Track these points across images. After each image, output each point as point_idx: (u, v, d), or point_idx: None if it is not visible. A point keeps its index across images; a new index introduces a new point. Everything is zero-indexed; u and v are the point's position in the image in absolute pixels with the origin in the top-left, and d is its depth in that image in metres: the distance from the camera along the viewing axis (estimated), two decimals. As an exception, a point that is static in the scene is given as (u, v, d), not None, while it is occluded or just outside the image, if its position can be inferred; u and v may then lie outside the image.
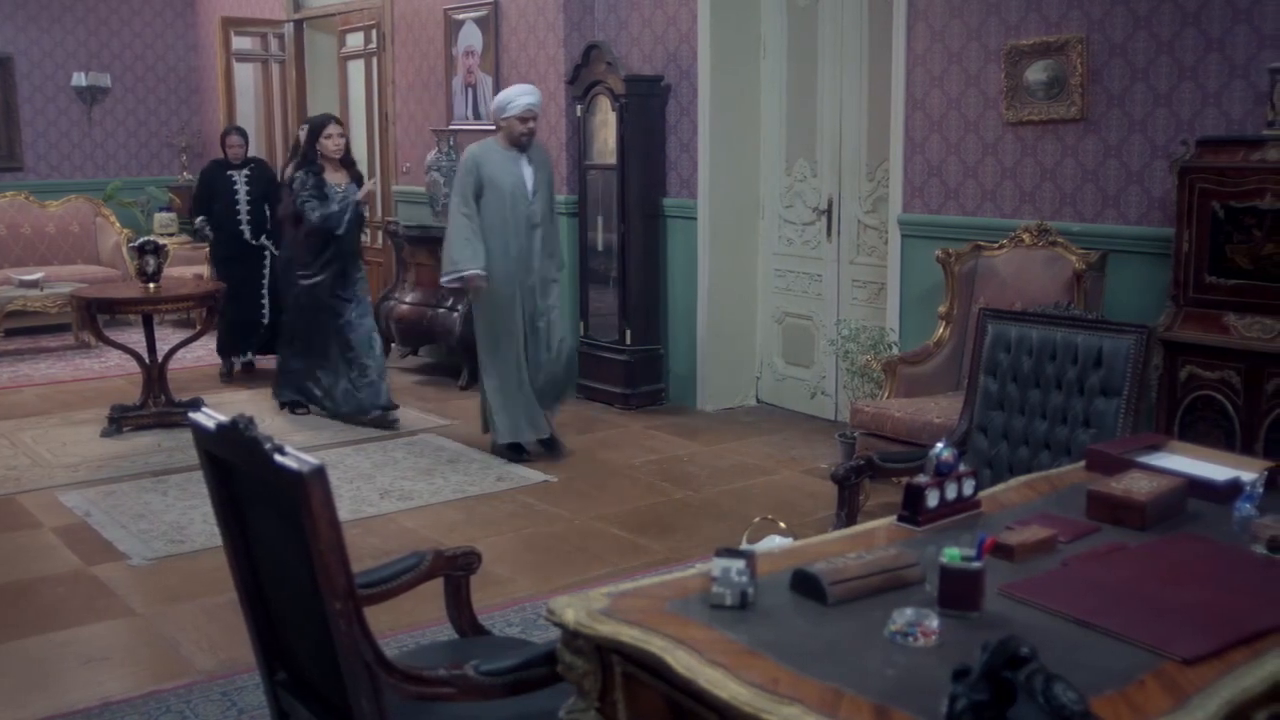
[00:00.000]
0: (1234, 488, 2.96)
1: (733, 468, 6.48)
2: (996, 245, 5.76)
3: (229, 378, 8.79)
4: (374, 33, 10.07)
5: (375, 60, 10.14)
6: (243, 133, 8.99)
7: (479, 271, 6.27)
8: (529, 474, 6.33)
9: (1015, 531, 2.65)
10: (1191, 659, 2.10)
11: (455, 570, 3.00)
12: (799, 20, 7.40)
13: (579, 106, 7.94)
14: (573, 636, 2.31)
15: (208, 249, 9.07)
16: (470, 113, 8.90)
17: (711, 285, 7.64)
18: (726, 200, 7.63)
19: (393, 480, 6.25)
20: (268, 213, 8.58)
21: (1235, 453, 4.33)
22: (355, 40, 10.50)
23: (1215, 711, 1.96)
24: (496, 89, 8.67)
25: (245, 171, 8.62)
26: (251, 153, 9.16)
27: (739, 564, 2.30)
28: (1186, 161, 4.87)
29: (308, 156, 7.20)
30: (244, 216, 8.56)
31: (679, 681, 2.09)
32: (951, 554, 2.28)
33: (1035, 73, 5.84)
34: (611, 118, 7.72)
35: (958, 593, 2.27)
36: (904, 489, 2.81)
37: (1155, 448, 3.34)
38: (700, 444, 6.94)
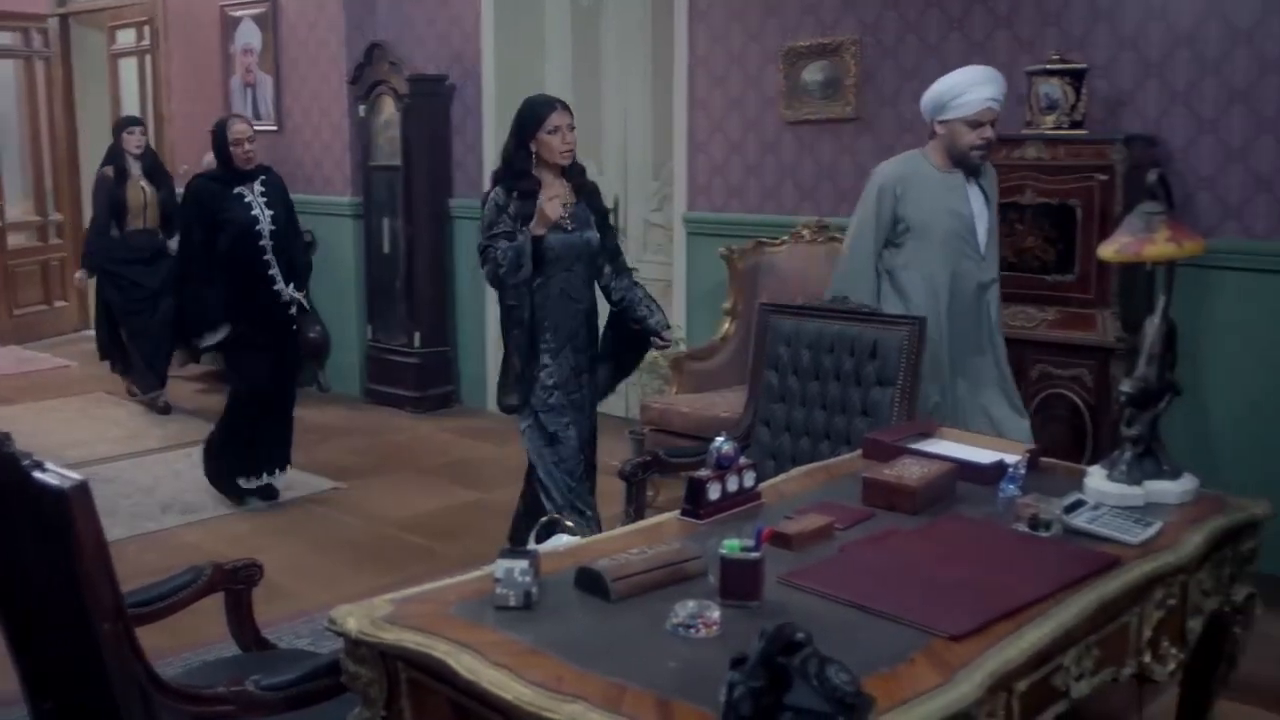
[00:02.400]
0: (999, 470, 3.10)
1: (521, 468, 6.43)
2: (778, 242, 5.89)
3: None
4: (146, 29, 9.70)
5: (149, 58, 9.77)
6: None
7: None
8: (318, 482, 6.20)
9: (794, 521, 2.72)
10: (958, 635, 2.19)
11: (235, 584, 2.92)
12: (582, 21, 7.43)
13: (362, 106, 7.81)
14: (355, 645, 2.28)
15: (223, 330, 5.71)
16: (250, 112, 8.65)
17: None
18: (514, 200, 7.60)
19: (175, 493, 6.03)
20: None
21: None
22: (126, 37, 10.10)
23: (980, 683, 2.05)
24: (277, 89, 8.47)
25: (259, 186, 5.73)
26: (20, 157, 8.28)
27: (522, 564, 2.29)
28: (954, 159, 5.01)
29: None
30: (270, 256, 5.68)
31: (463, 685, 2.08)
32: (731, 545, 2.32)
33: (812, 73, 6.00)
34: (396, 118, 7.62)
35: (738, 583, 2.32)
36: (686, 483, 2.86)
37: (927, 435, 3.47)
38: (493, 445, 6.91)
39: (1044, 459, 3.34)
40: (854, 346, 3.94)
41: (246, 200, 5.64)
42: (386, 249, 7.82)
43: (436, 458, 6.70)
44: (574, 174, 4.50)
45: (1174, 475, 2.97)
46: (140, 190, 7.62)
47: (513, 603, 2.30)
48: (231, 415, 5.85)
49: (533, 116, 4.41)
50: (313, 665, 2.41)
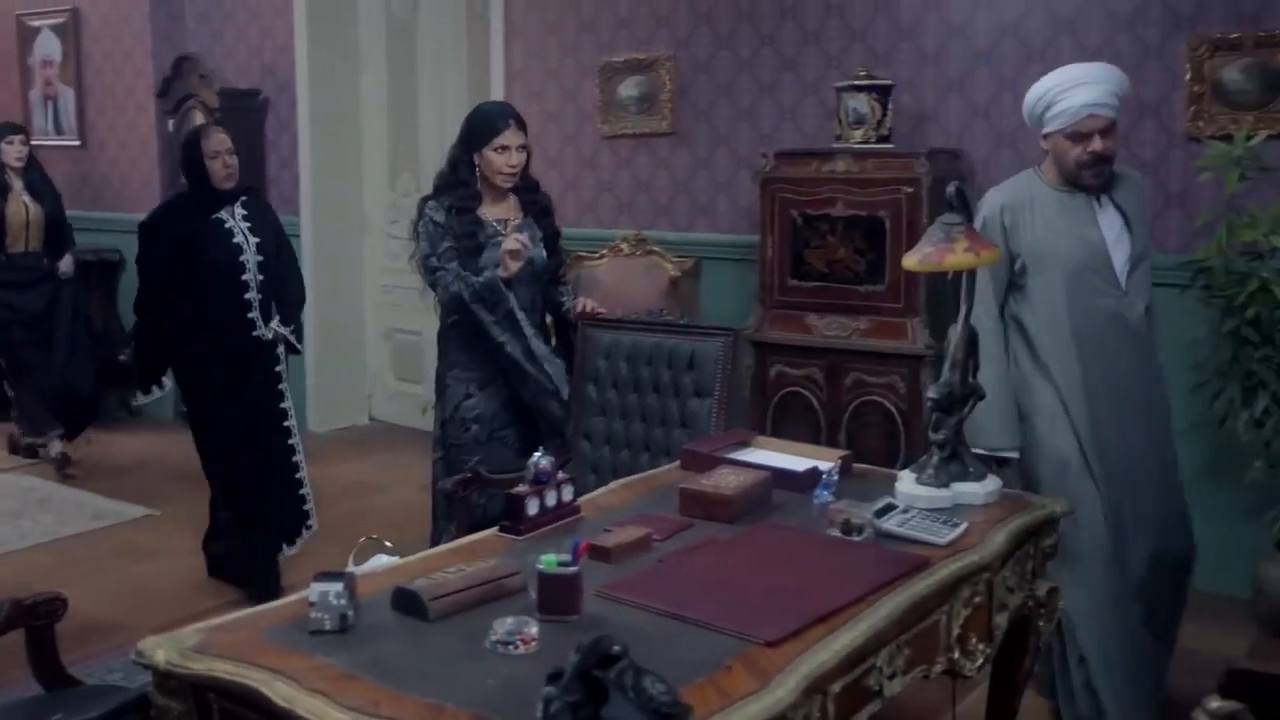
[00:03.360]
0: (813, 477, 3.17)
1: (348, 488, 6.37)
2: (598, 255, 5.92)
3: None
4: (-64, 41, 9.27)
5: (-61, 71, 9.33)
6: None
7: (1013, 454, 3.57)
8: (128, 509, 5.99)
9: (613, 533, 2.73)
10: (773, 641, 2.22)
11: (36, 620, 2.80)
12: (398, 34, 7.37)
13: (170, 121, 7.60)
14: (165, 678, 2.21)
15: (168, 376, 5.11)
16: (51, 127, 8.33)
17: (318, 303, 7.43)
18: (330, 216, 7.50)
19: (-28, 526, 5.78)
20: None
21: (821, 444, 4.65)
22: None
23: (795, 687, 2.08)
24: (80, 102, 8.19)
25: (240, 209, 4.87)
26: None
27: (337, 587, 2.26)
28: (767, 173, 5.18)
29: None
30: (254, 293, 4.83)
31: (278, 713, 2.02)
32: (548, 560, 2.32)
33: (628, 89, 6.05)
34: (206, 132, 7.42)
35: (556, 598, 2.32)
36: (505, 499, 2.85)
37: (744, 444, 3.53)
38: (314, 466, 6.69)
39: (857, 465, 3.42)
40: (671, 358, 3.99)
41: (227, 226, 4.77)
42: (199, 267, 7.60)
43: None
44: (523, 190, 4.25)
45: (979, 477, 3.08)
46: (22, 206, 6.77)
47: (328, 626, 2.26)
48: (218, 487, 5.06)
49: (481, 128, 4.15)
50: (120, 701, 2.35)
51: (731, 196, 5.79)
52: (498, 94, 6.48)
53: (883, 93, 5.02)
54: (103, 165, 8.12)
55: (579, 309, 4.23)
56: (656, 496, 3.15)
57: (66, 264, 6.85)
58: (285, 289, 4.94)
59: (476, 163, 4.12)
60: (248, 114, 7.50)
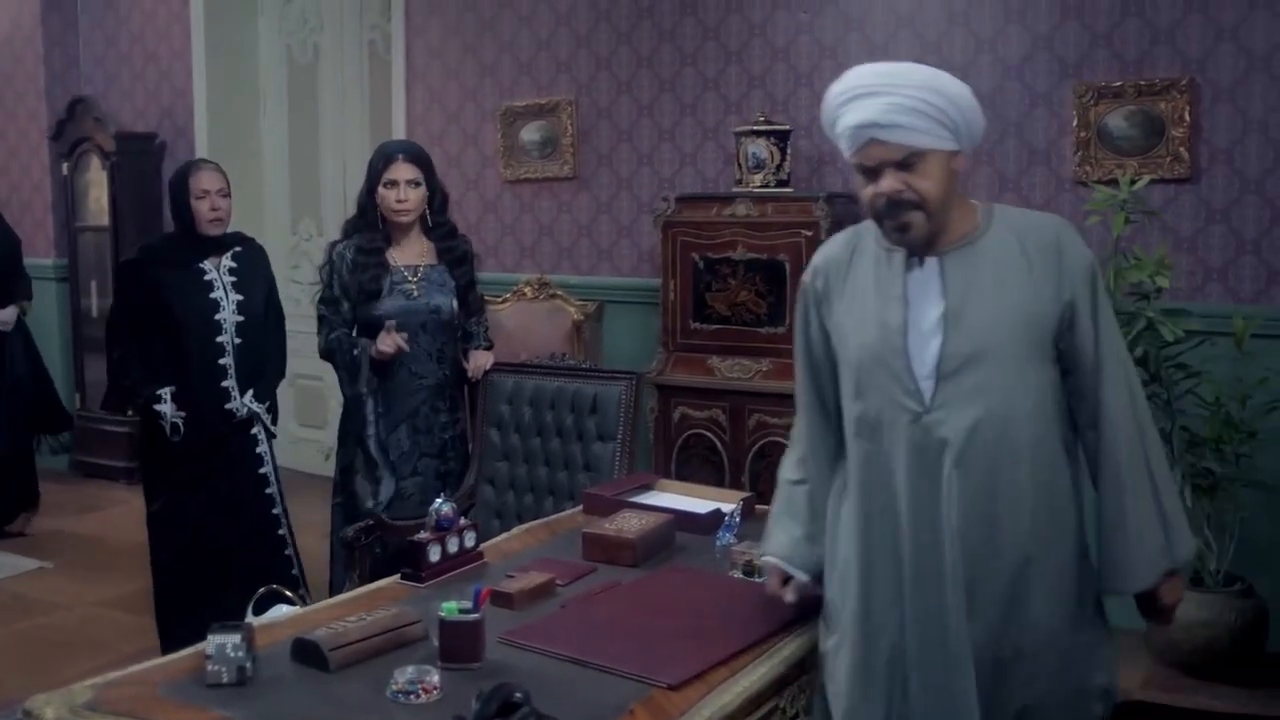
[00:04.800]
0: (716, 519, 3.19)
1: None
2: (501, 299, 5.92)
3: None
4: None
5: None
6: None
7: (801, 578, 2.55)
8: (21, 562, 5.83)
9: (515, 579, 2.73)
10: (676, 684, 2.24)
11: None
12: (299, 77, 7.33)
13: (65, 164, 7.47)
14: (55, 735, 2.15)
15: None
16: (-61, 171, 8.15)
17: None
18: (231, 261, 7.40)
19: None
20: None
21: (725, 486, 4.68)
22: None
23: (697, 732, 2.10)
24: (-31, 146, 8.02)
25: (228, 260, 4.36)
26: None
27: (234, 639, 2.22)
28: (669, 216, 5.22)
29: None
30: (228, 358, 4.28)
31: (172, 769, 1.99)
32: (449, 608, 2.31)
33: (530, 133, 6.08)
34: (102, 176, 7.32)
35: (458, 645, 2.31)
36: (406, 546, 2.83)
37: (647, 487, 3.55)
38: (213, 514, 6.65)
39: (760, 506, 3.44)
40: (574, 402, 4.00)
41: (208, 278, 4.23)
42: (95, 313, 7.47)
43: (152, 530, 6.40)
44: (438, 234, 4.14)
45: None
46: None
47: (225, 679, 2.22)
48: (162, 577, 4.39)
49: (373, 164, 4.07)
50: (8, 760, 2.26)
51: (633, 240, 5.83)
52: (399, 137, 6.47)
53: (781, 137, 5.10)
54: (-6, 209, 7.94)
55: (472, 374, 4.19)
56: (560, 541, 3.16)
57: (6, 314, 6.21)
58: (265, 358, 4.38)
59: (378, 202, 4.07)
60: (144, 157, 7.40)
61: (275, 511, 4.40)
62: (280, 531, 4.40)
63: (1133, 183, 4.34)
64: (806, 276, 2.54)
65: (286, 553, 4.42)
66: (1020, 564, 2.28)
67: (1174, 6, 4.59)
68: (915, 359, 2.30)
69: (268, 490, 4.37)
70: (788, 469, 2.61)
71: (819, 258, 2.53)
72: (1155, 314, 4.16)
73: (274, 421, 4.41)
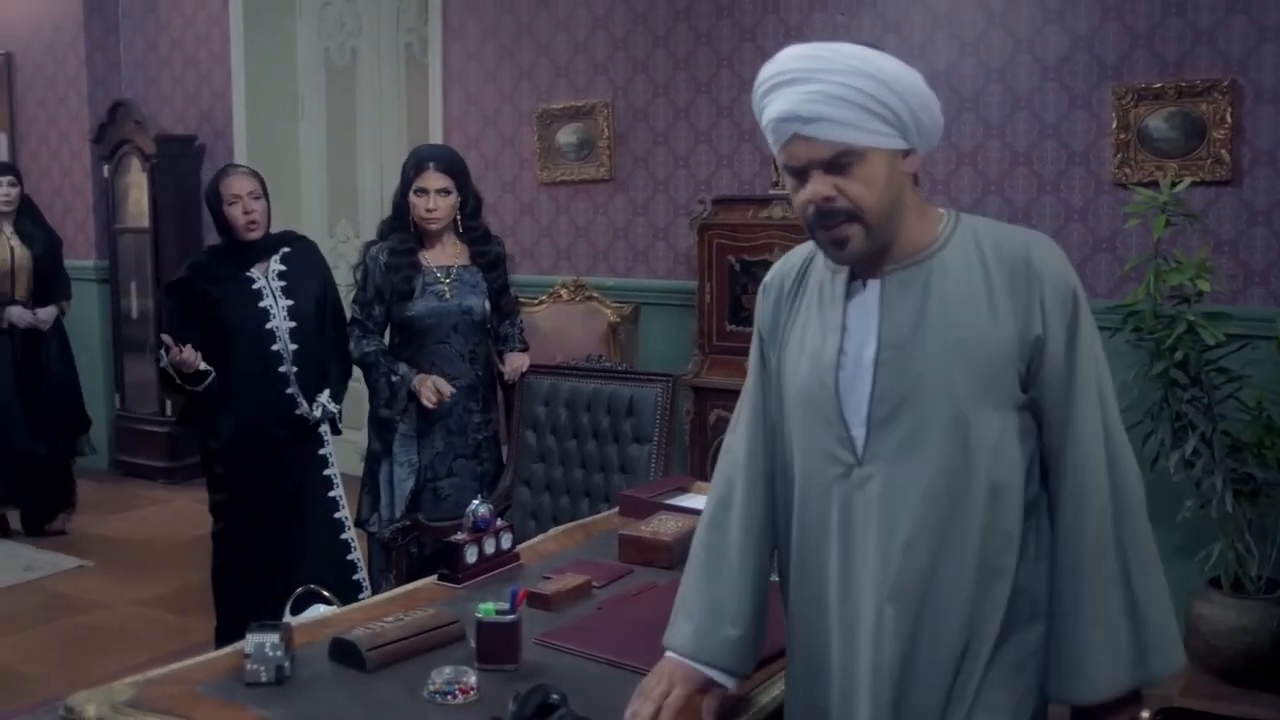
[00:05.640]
0: (752, 522, 3.17)
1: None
2: (537, 301, 5.93)
3: None
4: None
5: None
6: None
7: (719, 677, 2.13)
8: (62, 560, 5.90)
9: (552, 581, 2.73)
10: (712, 687, 2.23)
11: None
12: (337, 81, 7.37)
13: (106, 166, 7.54)
14: (96, 733, 2.17)
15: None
16: (-18, 173, 8.24)
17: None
18: (269, 263, 7.45)
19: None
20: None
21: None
22: None
23: (733, 734, 2.09)
24: (13, 146, 8.11)
25: (277, 263, 4.25)
26: None
27: (273, 638, 2.24)
28: (705, 219, 5.22)
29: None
30: (288, 365, 4.18)
31: (212, 767, 2.01)
32: (486, 609, 2.32)
33: (566, 135, 6.09)
34: (143, 179, 7.38)
35: (495, 647, 2.31)
36: (442, 547, 2.84)
37: (682, 489, 3.54)
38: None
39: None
40: (610, 404, 4.00)
41: (256, 287, 4.12)
42: (135, 314, 7.54)
43: (190, 530, 6.44)
44: (472, 238, 4.17)
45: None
46: (8, 251, 6.18)
47: (264, 678, 2.24)
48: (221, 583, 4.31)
49: (405, 170, 4.10)
50: (49, 757, 2.28)
51: (669, 242, 5.83)
52: (436, 140, 6.49)
53: (818, 140, 5.07)
54: (36, 212, 8.02)
55: (508, 376, 4.23)
56: (596, 543, 3.16)
57: (45, 314, 6.25)
58: (328, 359, 4.25)
59: (409, 207, 4.09)
60: (183, 160, 7.47)
61: (338, 515, 4.33)
62: (344, 536, 4.30)
63: (1173, 185, 4.29)
64: (759, 302, 2.15)
65: (350, 557, 4.31)
66: (956, 659, 1.89)
67: (1215, 7, 4.55)
68: (847, 401, 1.92)
69: (331, 493, 4.31)
70: (704, 518, 2.23)
71: (770, 272, 2.15)
72: (1196, 317, 4.12)
73: (340, 420, 4.34)
